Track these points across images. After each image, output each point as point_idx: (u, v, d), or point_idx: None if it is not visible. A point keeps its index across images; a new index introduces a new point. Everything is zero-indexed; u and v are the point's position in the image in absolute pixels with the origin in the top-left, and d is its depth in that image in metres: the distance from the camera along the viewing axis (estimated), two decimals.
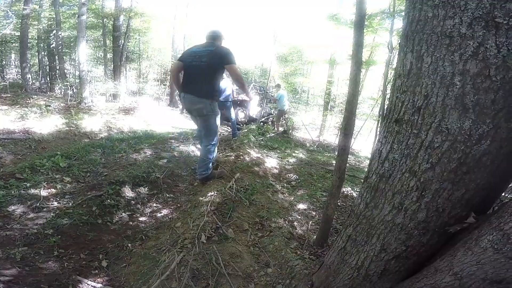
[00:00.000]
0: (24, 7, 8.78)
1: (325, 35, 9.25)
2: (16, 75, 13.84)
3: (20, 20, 9.20)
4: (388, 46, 4.44)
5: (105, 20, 10.89)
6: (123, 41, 10.21)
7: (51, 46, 11.50)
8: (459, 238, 1.15)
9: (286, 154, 5.92)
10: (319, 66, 13.19)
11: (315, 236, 2.36)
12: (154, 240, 2.40)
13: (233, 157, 4.40)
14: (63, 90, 10.67)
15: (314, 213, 3.07)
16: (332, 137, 11.19)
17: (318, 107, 15.33)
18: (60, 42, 10.54)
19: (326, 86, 12.15)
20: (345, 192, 3.94)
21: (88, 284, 1.93)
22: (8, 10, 8.96)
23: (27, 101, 6.45)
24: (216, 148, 3.44)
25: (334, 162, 6.01)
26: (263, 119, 9.35)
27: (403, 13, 1.41)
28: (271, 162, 5.03)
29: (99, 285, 1.94)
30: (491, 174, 1.06)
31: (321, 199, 3.46)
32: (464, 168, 1.05)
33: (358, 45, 1.98)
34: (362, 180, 1.64)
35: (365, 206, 1.38)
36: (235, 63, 2.96)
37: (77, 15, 8.26)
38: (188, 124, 8.43)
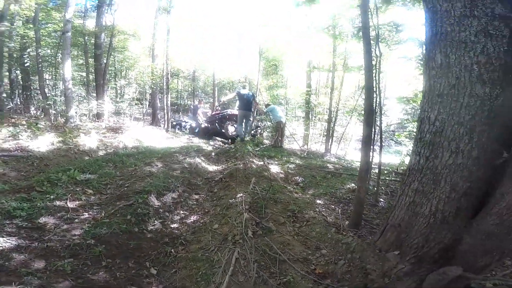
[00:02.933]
0: (1, 23, 8.42)
1: (303, 45, 9.80)
2: None
3: None
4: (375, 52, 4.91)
5: (86, 38, 10.66)
6: (105, 60, 10.02)
7: (25, 64, 10.95)
8: (501, 172, 1.58)
9: (284, 161, 6.14)
10: (298, 75, 13.79)
11: (347, 222, 2.55)
12: (196, 243, 2.45)
13: (241, 166, 4.54)
14: (39, 110, 10.18)
15: (333, 206, 3.28)
16: (317, 145, 11.61)
17: (297, 118, 15.85)
18: (40, 60, 10.12)
19: (305, 97, 12.74)
20: (350, 187, 4.23)
21: None
22: None
23: (9, 121, 6.14)
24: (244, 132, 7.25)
25: (329, 165, 6.43)
26: (252, 132, 9.53)
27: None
28: (275, 168, 5.22)
29: None
30: (510, 118, 1.61)
31: (336, 194, 3.68)
32: (492, 115, 1.59)
33: (369, 89, 2.30)
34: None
35: (425, 160, 1.74)
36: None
37: (61, 32, 8.07)
38: (178, 141, 8.41)
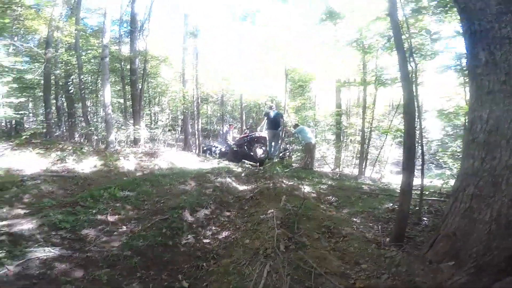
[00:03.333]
0: (46, 50, 9.32)
1: (331, 60, 9.76)
2: (35, 123, 14.10)
3: (42, 65, 9.68)
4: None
5: (122, 63, 11.49)
6: (140, 85, 10.67)
7: (70, 91, 11.82)
8: None
9: (315, 182, 5.98)
10: (326, 95, 13.68)
11: (387, 239, 2.38)
12: (227, 257, 2.41)
13: (271, 185, 4.50)
14: (83, 137, 10.98)
15: (372, 224, 3.08)
16: (349, 169, 11.16)
17: (327, 140, 15.53)
18: (83, 86, 10.90)
19: (335, 118, 12.51)
20: (389, 207, 3.97)
21: None
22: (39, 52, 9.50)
23: (57, 146, 6.73)
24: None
25: (364, 186, 6.13)
26: (281, 154, 9.47)
27: None
28: (306, 188, 5.09)
29: None
30: None
31: (374, 214, 3.48)
32: None
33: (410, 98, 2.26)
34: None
35: (481, 162, 1.63)
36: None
37: (100, 58, 8.73)
38: (208, 164, 8.60)
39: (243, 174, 5.95)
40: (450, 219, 1.68)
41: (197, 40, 13.82)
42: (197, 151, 12.57)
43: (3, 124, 12.08)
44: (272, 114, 7.82)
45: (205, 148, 14.57)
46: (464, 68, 5.70)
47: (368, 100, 9.96)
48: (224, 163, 9.35)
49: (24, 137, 6.08)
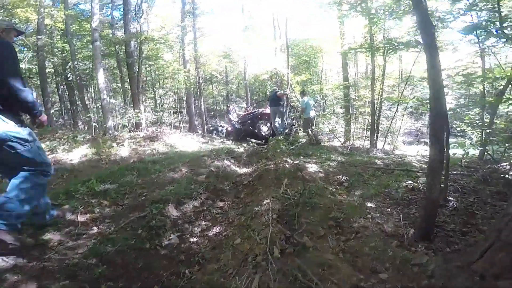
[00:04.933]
0: (37, 37, 8.93)
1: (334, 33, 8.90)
2: None
3: (36, 53, 9.27)
4: None
5: (117, 46, 10.98)
6: (137, 68, 10.19)
7: (69, 79, 11.53)
8: None
9: (323, 159, 5.47)
10: (333, 68, 12.83)
11: (411, 231, 1.89)
12: (215, 263, 2.00)
13: (272, 166, 4.02)
14: (86, 124, 10.73)
15: (390, 209, 2.59)
16: (360, 141, 10.54)
17: (337, 114, 14.84)
18: (78, 73, 10.60)
19: (343, 91, 11.76)
20: (408, 186, 3.47)
21: None
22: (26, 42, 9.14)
23: (54, 135, 6.41)
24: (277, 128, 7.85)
25: (377, 161, 5.59)
26: (286, 131, 8.93)
27: None
28: (313, 167, 4.60)
29: None
30: None
31: (391, 195, 2.98)
32: None
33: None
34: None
35: None
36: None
37: (90, 42, 8.32)
38: (211, 145, 8.19)
39: (244, 155, 5.49)
40: (503, 224, 1.15)
41: (196, 19, 13.04)
42: (202, 132, 12.15)
43: None
44: (270, 92, 8.29)
45: (211, 128, 14.19)
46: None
47: (376, 72, 9.15)
48: (228, 143, 8.93)
49: None
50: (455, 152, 4.41)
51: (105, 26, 12.59)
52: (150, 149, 6.25)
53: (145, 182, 3.36)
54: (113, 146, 5.63)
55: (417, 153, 7.73)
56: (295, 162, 4.54)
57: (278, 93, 8.19)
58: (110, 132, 8.55)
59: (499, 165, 4.14)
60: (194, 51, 12.06)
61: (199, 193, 3.08)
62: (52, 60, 11.06)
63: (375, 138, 8.88)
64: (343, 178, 4.08)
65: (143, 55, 13.49)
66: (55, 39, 11.31)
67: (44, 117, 2.10)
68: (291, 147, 6.27)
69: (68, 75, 11.33)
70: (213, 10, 16.74)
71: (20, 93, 1.86)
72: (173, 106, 18.33)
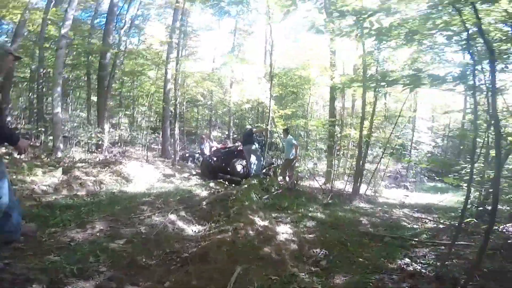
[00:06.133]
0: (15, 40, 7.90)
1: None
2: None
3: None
4: None
5: (89, 57, 10.04)
6: (107, 82, 9.19)
7: (40, 86, 10.39)
8: None
9: (300, 215, 4.55)
10: (320, 102, 12.36)
11: None
12: None
13: (230, 233, 3.02)
14: (35, 139, 9.39)
15: None
16: (341, 184, 9.71)
17: (318, 151, 14.27)
18: (41, 81, 9.51)
19: (328, 129, 11.13)
20: (403, 266, 2.63)
21: None
22: None
23: None
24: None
25: (362, 219, 4.69)
26: (264, 171, 8.00)
27: None
28: (285, 230, 3.63)
29: None
30: None
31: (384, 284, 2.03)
32: None
33: None
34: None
35: None
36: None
37: (55, 49, 7.36)
38: (173, 181, 7.08)
39: (204, 203, 4.44)
40: None
41: (185, 37, 12.53)
42: (173, 160, 10.96)
43: None
44: (244, 130, 7.96)
45: (187, 155, 13.02)
46: None
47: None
48: (195, 178, 7.84)
49: None
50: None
51: (84, 35, 11.74)
52: (92, 181, 5.07)
53: (27, 243, 2.23)
54: (37, 175, 4.44)
55: (402, 201, 7.47)
56: (263, 223, 3.57)
57: (254, 129, 7.72)
58: (59, 153, 7.33)
59: None
60: (176, 70, 11.23)
61: (99, 270, 2.00)
62: (33, 66, 10.02)
63: (358, 184, 8.10)
64: (321, 252, 3.12)
65: (125, 70, 12.60)
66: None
67: (23, 143, 2.08)
68: (265, 197, 5.31)
69: (37, 82, 10.22)
70: (204, 29, 16.32)
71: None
72: (154, 125, 17.19)
